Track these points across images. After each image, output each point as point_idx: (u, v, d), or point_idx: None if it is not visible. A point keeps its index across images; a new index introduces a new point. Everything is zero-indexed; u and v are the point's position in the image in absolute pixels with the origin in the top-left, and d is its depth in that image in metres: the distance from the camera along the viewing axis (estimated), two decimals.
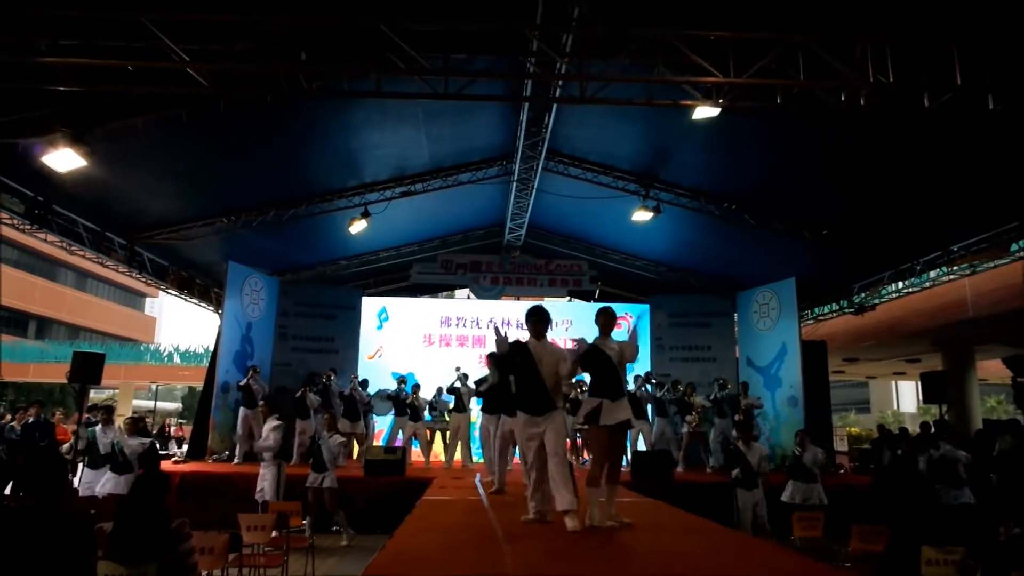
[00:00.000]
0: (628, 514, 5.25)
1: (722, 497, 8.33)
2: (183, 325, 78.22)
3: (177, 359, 27.29)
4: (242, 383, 11.46)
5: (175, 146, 8.66)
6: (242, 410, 11.22)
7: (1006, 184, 8.42)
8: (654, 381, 12.09)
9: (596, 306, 15.39)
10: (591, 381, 5.24)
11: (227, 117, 7.88)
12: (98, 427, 8.46)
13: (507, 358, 5.29)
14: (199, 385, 16.13)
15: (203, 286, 13.42)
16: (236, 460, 11.02)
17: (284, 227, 11.51)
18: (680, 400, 11.91)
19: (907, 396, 37.14)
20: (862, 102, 6.28)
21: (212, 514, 6.41)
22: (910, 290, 12.32)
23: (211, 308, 13.71)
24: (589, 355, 5.11)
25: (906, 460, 9.30)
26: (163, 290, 13.13)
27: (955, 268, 11.00)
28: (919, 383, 14.33)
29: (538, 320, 5.17)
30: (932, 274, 11.47)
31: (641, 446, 11.36)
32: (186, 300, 13.37)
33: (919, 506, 8.28)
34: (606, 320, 5.28)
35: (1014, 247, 9.73)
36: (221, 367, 12.10)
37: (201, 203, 10.59)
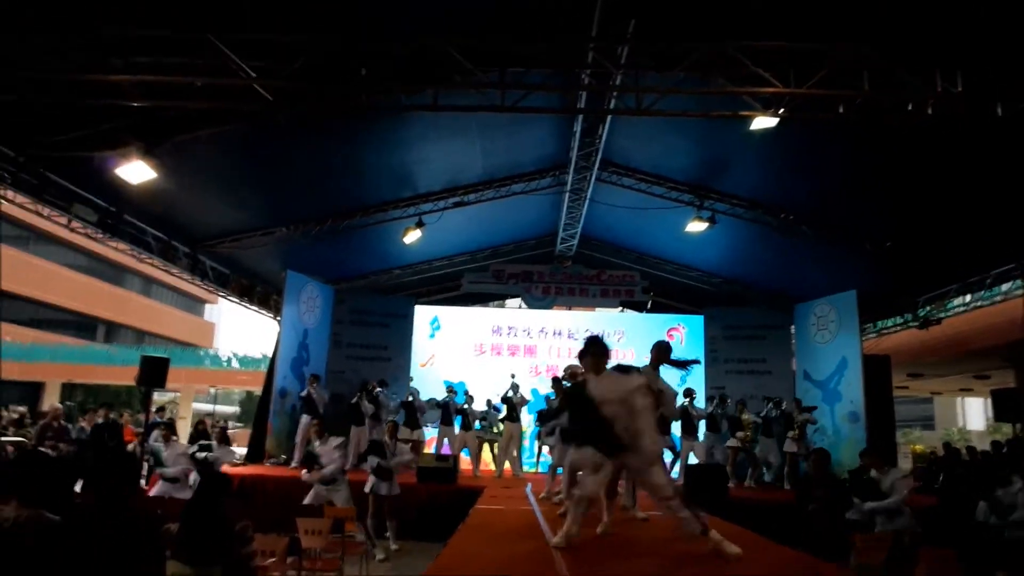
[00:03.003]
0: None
1: (777, 514, 8.10)
2: (241, 331, 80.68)
3: (236, 364, 28.08)
4: (303, 393, 11.71)
5: (237, 159, 8.98)
6: (304, 417, 11.45)
7: None
8: (716, 397, 11.93)
9: (647, 317, 15.26)
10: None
11: (287, 131, 8.12)
12: (160, 444, 8.21)
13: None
14: (257, 389, 16.56)
15: (263, 293, 13.81)
16: (293, 464, 11.26)
17: (340, 237, 11.77)
18: (731, 416, 11.70)
19: (974, 413, 35.53)
20: (930, 111, 6.11)
21: (270, 518, 6.55)
22: (979, 304, 11.83)
23: (270, 315, 14.09)
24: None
25: (963, 498, 8.01)
26: (224, 297, 13.56)
27: None
28: (988, 400, 13.70)
29: (595, 353, 4.62)
30: (1004, 287, 11.00)
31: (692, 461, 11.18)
32: (246, 307, 13.76)
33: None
34: (656, 355, 4.95)
35: None
36: (279, 373, 12.41)
37: (261, 213, 10.92)
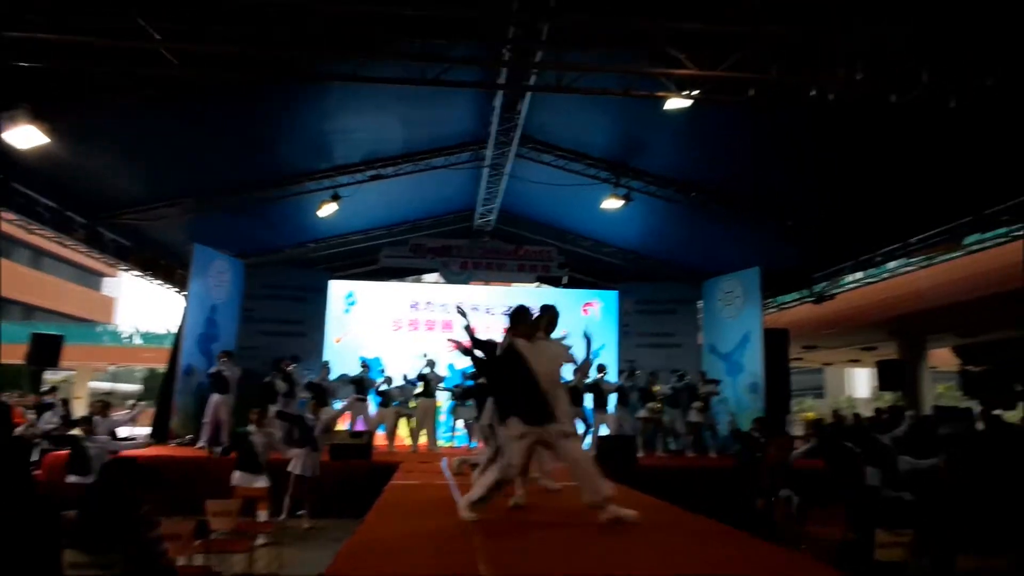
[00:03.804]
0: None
1: (684, 481, 8.51)
2: (144, 306, 76.66)
3: (138, 340, 26.72)
4: (213, 370, 11.27)
5: (142, 126, 8.44)
6: (214, 396, 11.04)
7: (962, 180, 8.69)
8: (626, 371, 12.30)
9: (564, 292, 15.52)
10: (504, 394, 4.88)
11: (196, 97, 7.70)
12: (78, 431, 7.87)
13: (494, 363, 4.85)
14: (161, 367, 15.84)
15: (167, 267, 13.14)
16: (200, 444, 10.87)
17: (251, 209, 11.36)
18: (641, 388, 12.12)
19: (860, 382, 38.24)
20: (831, 97, 6.43)
21: (176, 500, 6.32)
22: (869, 281, 12.67)
23: (175, 289, 13.45)
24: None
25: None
26: (125, 271, 12.83)
27: (912, 260, 11.35)
28: (874, 370, 14.76)
29: (527, 320, 4.65)
30: (891, 265, 11.81)
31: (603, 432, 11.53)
32: (149, 281, 13.09)
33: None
34: (550, 319, 4.89)
35: (967, 241, 10.07)
36: (185, 349, 11.92)
37: (167, 184, 10.34)
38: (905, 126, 7.47)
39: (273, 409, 10.96)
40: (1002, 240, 9.90)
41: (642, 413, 12.06)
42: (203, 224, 11.56)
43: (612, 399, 11.99)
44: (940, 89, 6.16)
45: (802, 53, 5.94)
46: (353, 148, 10.53)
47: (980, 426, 10.40)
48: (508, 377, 4.67)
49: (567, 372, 5.02)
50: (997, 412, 12.22)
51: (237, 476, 7.66)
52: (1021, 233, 9.57)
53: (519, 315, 4.74)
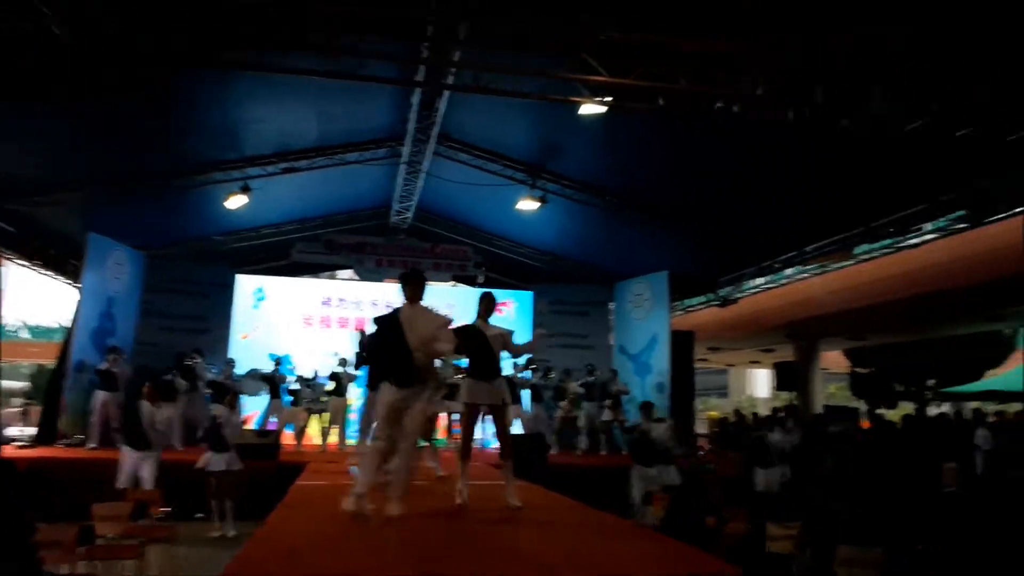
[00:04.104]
0: (495, 495, 5.39)
1: (594, 478, 8.72)
2: (32, 298, 71.47)
3: (26, 334, 24.97)
4: (102, 367, 10.65)
5: (32, 107, 7.87)
6: (100, 393, 10.44)
7: (852, 194, 9.29)
8: (534, 367, 12.41)
9: (480, 291, 15.58)
10: (468, 360, 5.31)
11: (94, 79, 7.25)
12: None
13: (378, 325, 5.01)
14: (51, 363, 14.87)
15: (58, 257, 12.33)
16: (90, 445, 10.27)
17: (154, 199, 10.81)
18: (555, 387, 12.31)
19: (761, 382, 40.18)
20: (735, 109, 6.75)
21: (64, 504, 5.97)
22: (769, 286, 13.34)
23: (68, 281, 12.64)
24: (464, 332, 5.10)
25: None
26: (10, 260, 11.94)
27: (808, 267, 12.04)
28: (773, 371, 15.55)
29: (415, 283, 4.84)
30: (788, 272, 12.49)
31: (517, 430, 11.64)
32: (39, 272, 12.24)
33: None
34: (487, 305, 5.36)
35: (857, 250, 10.77)
36: (77, 344, 11.21)
37: (60, 169, 9.68)
38: (804, 142, 7.92)
39: (170, 410, 10.55)
40: (888, 251, 10.65)
41: (557, 412, 12.27)
42: (100, 213, 10.93)
43: (526, 396, 12.13)
44: (833, 109, 6.57)
45: (708, 66, 6.19)
46: (264, 139, 10.21)
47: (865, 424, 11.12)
48: (384, 341, 4.83)
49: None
50: (881, 411, 13.17)
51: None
52: (904, 245, 10.34)
53: (406, 277, 4.90)
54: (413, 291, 4.81)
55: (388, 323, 4.76)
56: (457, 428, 11.73)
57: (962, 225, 9.29)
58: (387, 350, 4.83)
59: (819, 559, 5.30)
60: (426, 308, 4.84)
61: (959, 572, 4.59)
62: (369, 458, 4.87)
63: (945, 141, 6.76)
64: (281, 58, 6.04)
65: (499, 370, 5.37)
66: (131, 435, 7.58)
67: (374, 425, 5.94)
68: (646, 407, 9.09)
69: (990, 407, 16.92)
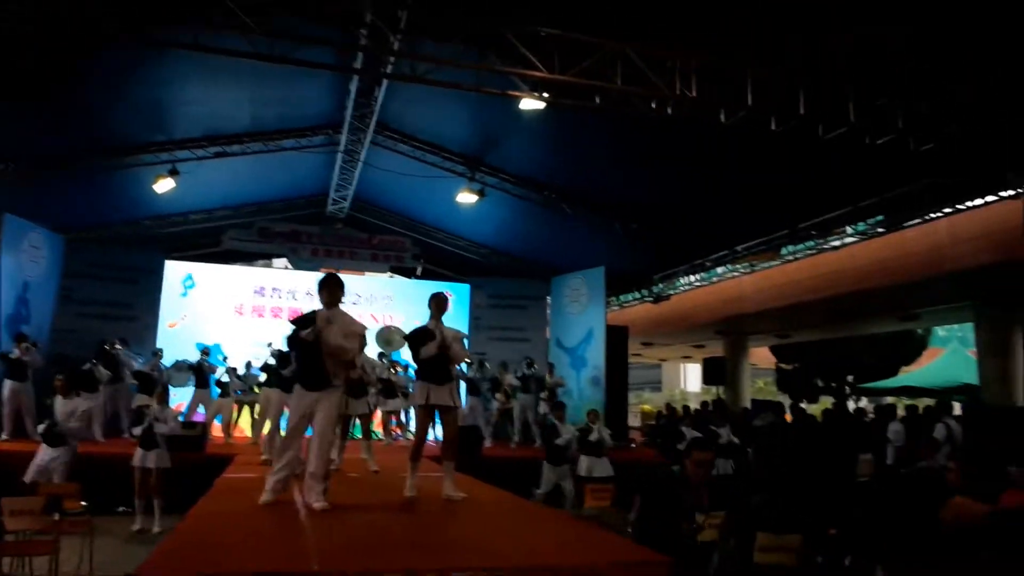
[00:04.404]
0: (437, 488, 5.41)
1: (525, 470, 8.81)
2: None
3: None
4: (13, 355, 10.09)
5: None
6: (8, 383, 9.90)
7: (780, 197, 9.65)
8: (468, 360, 12.41)
9: (417, 283, 15.46)
10: (419, 364, 5.27)
11: (10, 51, 6.87)
12: None
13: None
14: None
15: None
16: (3, 436, 9.76)
17: (75, 180, 10.33)
18: (492, 379, 12.37)
19: (692, 377, 41.33)
20: (669, 111, 6.91)
21: None
22: (699, 284, 13.73)
23: None
24: (420, 335, 5.12)
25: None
26: None
27: (738, 266, 12.45)
28: (702, 366, 16.01)
29: (332, 287, 4.83)
30: (719, 270, 12.88)
31: None
32: None
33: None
34: (439, 305, 5.33)
35: (784, 251, 11.21)
36: None
37: None
38: (735, 145, 8.17)
39: (86, 402, 10.13)
40: (811, 252, 11.12)
41: (493, 405, 12.32)
42: (16, 193, 10.34)
43: (462, 389, 12.12)
44: (763, 113, 6.80)
45: (643, 67, 6.31)
46: (194, 122, 9.88)
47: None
48: (299, 343, 4.82)
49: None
50: (803, 405, 13.74)
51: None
52: (827, 247, 10.81)
53: (324, 282, 4.87)
54: (331, 296, 4.82)
55: (303, 324, 4.76)
56: (395, 420, 11.78)
57: (880, 229, 9.79)
58: (300, 352, 4.87)
59: (741, 547, 5.51)
60: (343, 313, 4.86)
61: (866, 552, 4.84)
62: (283, 458, 4.89)
63: (865, 149, 7.10)
64: (212, 38, 5.85)
65: (452, 372, 5.38)
66: (45, 431, 7.25)
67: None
68: (594, 413, 9.35)
69: (904, 401, 17.92)
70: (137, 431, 7.83)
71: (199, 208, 13.13)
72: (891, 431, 9.27)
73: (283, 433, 6.36)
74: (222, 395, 11.24)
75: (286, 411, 10.60)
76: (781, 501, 6.86)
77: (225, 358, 11.63)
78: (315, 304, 5.05)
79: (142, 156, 10.22)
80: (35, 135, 9.17)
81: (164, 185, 10.46)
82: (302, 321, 4.80)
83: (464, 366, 12.11)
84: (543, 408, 12.30)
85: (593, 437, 8.75)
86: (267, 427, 11.18)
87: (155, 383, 10.64)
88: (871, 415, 11.51)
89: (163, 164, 10.33)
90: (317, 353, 4.67)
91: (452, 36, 6.16)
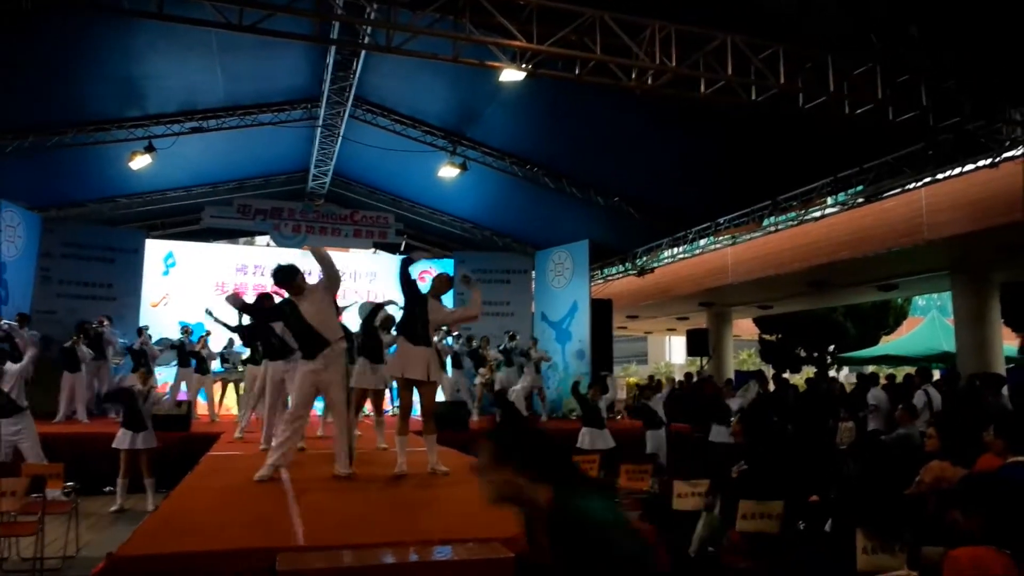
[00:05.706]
0: (424, 463, 5.44)
1: None
2: None
3: None
4: None
5: None
6: None
7: (762, 169, 9.66)
8: (456, 334, 12.42)
9: (401, 259, 15.43)
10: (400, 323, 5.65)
11: None
12: None
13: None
14: None
15: None
16: None
17: (49, 156, 10.10)
18: (474, 353, 12.38)
19: (677, 349, 41.63)
20: (649, 81, 6.84)
21: None
22: (683, 256, 13.77)
23: None
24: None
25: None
26: None
27: (720, 239, 12.49)
28: (686, 338, 16.12)
29: (283, 280, 5.16)
30: (702, 243, 12.91)
31: (439, 397, 11.67)
32: None
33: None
34: (440, 282, 5.74)
35: (765, 222, 11.24)
36: None
37: None
38: (717, 117, 8.14)
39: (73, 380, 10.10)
40: (792, 223, 11.15)
41: (477, 379, 12.35)
42: None
43: (447, 362, 12.15)
44: (742, 85, 6.77)
45: (622, 34, 6.23)
46: (168, 96, 9.69)
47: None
48: (287, 321, 5.41)
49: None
50: (785, 375, 13.89)
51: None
52: (809, 219, 10.85)
53: (274, 277, 5.23)
54: (288, 288, 5.19)
55: (286, 304, 5.27)
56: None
57: (860, 200, 9.83)
58: (292, 328, 5.37)
59: (725, 514, 5.60)
60: (312, 288, 5.22)
61: (845, 516, 4.94)
62: (287, 433, 5.12)
63: (845, 119, 7.10)
64: (178, 6, 5.68)
65: (429, 337, 5.58)
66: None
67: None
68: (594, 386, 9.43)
69: (885, 370, 18.18)
70: (109, 407, 7.80)
71: (177, 185, 12.96)
72: (872, 396, 9.41)
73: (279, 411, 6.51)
74: (199, 371, 11.17)
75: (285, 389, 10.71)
76: (763, 469, 6.96)
77: (204, 337, 11.56)
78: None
79: (115, 131, 10.02)
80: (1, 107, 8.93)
81: (140, 162, 10.30)
82: (282, 304, 5.31)
83: (450, 339, 12.13)
84: (527, 381, 12.36)
85: (604, 401, 9.00)
86: (254, 412, 11.20)
87: (147, 359, 10.60)
88: (851, 385, 11.68)
89: (139, 141, 10.14)
90: (304, 323, 5.08)
91: (427, 3, 6.04)
